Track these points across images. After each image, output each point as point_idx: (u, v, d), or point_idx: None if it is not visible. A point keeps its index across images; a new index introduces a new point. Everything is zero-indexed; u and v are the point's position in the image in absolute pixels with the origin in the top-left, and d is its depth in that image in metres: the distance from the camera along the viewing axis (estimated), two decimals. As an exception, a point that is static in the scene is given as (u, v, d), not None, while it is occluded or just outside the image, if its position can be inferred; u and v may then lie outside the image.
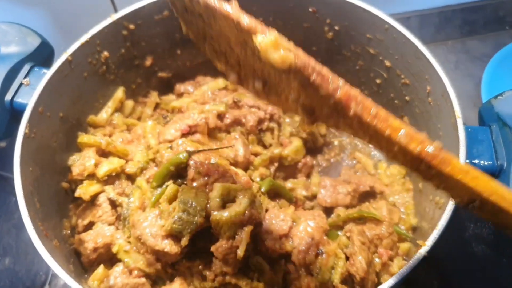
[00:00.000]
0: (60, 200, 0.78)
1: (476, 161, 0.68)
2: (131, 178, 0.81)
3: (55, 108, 0.79)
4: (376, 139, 0.46)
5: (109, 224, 0.74)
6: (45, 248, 0.59)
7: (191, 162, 0.73)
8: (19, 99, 0.78)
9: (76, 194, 0.75)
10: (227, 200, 0.67)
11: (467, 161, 0.67)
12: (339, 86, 0.45)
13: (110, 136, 0.89)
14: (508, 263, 0.93)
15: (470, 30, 1.39)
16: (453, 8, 1.36)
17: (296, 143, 0.94)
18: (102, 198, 0.76)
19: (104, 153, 0.82)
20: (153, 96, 1.02)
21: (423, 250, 0.58)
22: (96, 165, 0.77)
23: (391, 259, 0.77)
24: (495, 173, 0.68)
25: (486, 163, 0.68)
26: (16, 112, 0.78)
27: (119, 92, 0.94)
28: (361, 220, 0.81)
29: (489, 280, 0.93)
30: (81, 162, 0.77)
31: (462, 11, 1.37)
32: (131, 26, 0.89)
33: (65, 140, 0.83)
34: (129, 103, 0.98)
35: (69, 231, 0.77)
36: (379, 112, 0.45)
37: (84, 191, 0.74)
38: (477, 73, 1.30)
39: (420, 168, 0.45)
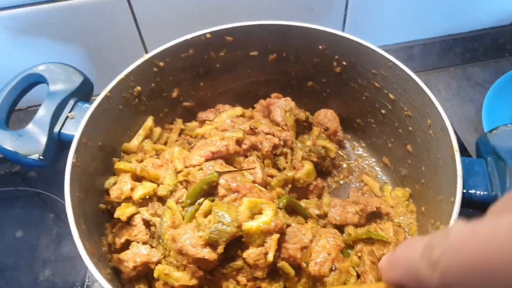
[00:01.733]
0: (99, 220, 0.88)
1: (473, 191, 0.76)
2: (162, 199, 0.90)
3: (95, 138, 0.89)
4: None
5: (144, 243, 0.84)
6: (92, 264, 0.68)
7: (222, 181, 0.83)
8: (65, 131, 0.88)
9: (115, 215, 0.84)
10: (254, 212, 0.78)
11: (464, 191, 0.75)
12: None
13: (141, 161, 0.99)
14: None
15: (471, 57, 1.47)
16: (454, 37, 1.45)
17: (308, 166, 1.03)
18: (137, 219, 0.85)
19: (137, 178, 0.92)
20: (178, 123, 1.12)
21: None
22: (131, 189, 0.86)
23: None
24: (490, 202, 0.75)
25: (482, 193, 0.76)
26: (62, 142, 0.88)
27: (149, 121, 1.05)
28: (369, 240, 0.89)
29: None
30: (118, 187, 0.87)
31: (463, 39, 1.45)
32: (161, 64, 0.99)
33: (102, 166, 0.93)
34: (157, 130, 1.08)
35: (106, 248, 0.86)
36: None
37: (121, 212, 0.83)
38: (478, 98, 1.38)
39: None
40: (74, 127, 0.86)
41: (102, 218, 0.90)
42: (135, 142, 1.02)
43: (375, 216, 0.98)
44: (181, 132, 1.13)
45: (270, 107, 1.10)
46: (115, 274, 0.84)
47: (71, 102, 0.91)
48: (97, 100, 0.89)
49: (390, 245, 0.86)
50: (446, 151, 0.81)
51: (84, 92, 0.95)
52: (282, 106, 1.09)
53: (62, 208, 0.69)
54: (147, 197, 0.88)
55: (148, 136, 1.05)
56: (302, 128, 1.14)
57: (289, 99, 1.10)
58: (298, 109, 1.12)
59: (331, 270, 0.80)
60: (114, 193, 0.86)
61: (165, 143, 1.10)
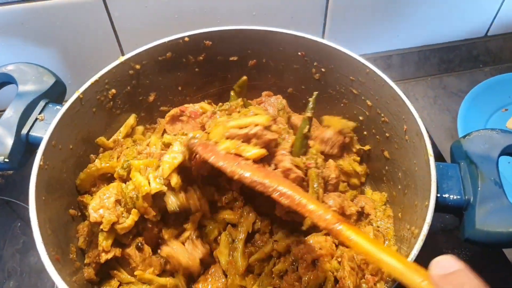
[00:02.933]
0: (68, 225, 0.84)
1: (446, 195, 0.76)
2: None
3: (66, 141, 0.86)
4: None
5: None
6: (56, 271, 0.64)
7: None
8: (34, 133, 0.85)
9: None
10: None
11: (438, 195, 0.76)
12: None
13: (118, 157, 0.96)
14: None
15: (447, 68, 1.51)
16: (431, 48, 1.48)
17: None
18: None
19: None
20: (162, 123, 1.10)
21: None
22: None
23: (375, 284, 0.85)
24: (463, 206, 0.76)
25: (455, 197, 0.76)
26: (30, 144, 0.85)
27: (131, 119, 1.03)
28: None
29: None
30: (100, 206, 0.83)
31: (439, 50, 1.49)
32: (137, 66, 0.97)
33: (73, 170, 0.90)
34: (139, 129, 1.06)
35: (74, 255, 0.83)
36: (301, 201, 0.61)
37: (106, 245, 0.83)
38: (454, 107, 1.41)
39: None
40: (44, 129, 0.83)
41: (71, 223, 0.86)
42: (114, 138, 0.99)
43: (358, 217, 0.98)
44: (165, 132, 1.10)
45: (261, 106, 1.09)
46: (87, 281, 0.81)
47: (42, 104, 0.88)
48: (69, 101, 0.86)
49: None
50: (421, 156, 0.81)
51: (56, 94, 0.92)
52: (274, 104, 1.08)
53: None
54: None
55: (129, 134, 1.03)
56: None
57: (280, 97, 1.09)
58: (291, 111, 1.11)
59: (312, 262, 0.81)
60: (93, 216, 0.83)
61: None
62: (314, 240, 0.86)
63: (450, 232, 1.09)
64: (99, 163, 0.91)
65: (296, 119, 1.08)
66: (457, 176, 0.78)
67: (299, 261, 0.83)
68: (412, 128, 0.86)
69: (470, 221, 0.72)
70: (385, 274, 0.86)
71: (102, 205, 0.83)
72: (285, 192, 0.63)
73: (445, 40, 1.47)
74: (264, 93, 1.12)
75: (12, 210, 1.11)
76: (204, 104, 1.07)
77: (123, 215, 0.84)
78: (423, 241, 0.68)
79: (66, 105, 0.86)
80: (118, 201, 0.85)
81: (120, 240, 0.86)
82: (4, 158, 0.80)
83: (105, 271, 0.87)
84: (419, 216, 0.77)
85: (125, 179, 0.89)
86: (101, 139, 0.97)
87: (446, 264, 0.48)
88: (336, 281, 0.80)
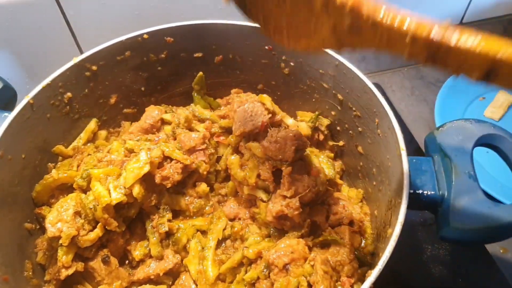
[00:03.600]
0: (22, 241, 0.79)
1: (420, 191, 0.73)
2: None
3: (17, 151, 0.80)
4: (392, 41, 0.48)
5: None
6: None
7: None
8: (-21, 144, 0.79)
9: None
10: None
11: (411, 191, 0.72)
12: None
13: (78, 165, 0.90)
14: (463, 282, 0.98)
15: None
16: (406, 38, 1.45)
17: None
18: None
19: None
20: (126, 126, 1.04)
21: (367, 282, 0.61)
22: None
23: (352, 286, 0.81)
24: (438, 202, 0.72)
25: (429, 193, 0.73)
26: (-25, 156, 0.78)
27: (92, 124, 0.97)
28: (324, 244, 0.85)
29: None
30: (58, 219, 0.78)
31: (415, 40, 1.45)
32: (93, 67, 0.92)
33: (27, 181, 0.84)
34: (102, 133, 1.00)
35: (30, 273, 0.77)
36: (388, 10, 0.48)
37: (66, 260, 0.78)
38: (431, 98, 1.38)
39: (437, 54, 0.45)
40: (-10, 138, 0.77)
41: (27, 239, 0.81)
42: (74, 145, 0.94)
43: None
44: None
45: (230, 105, 1.03)
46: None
47: (-12, 111, 0.82)
48: (17, 108, 0.80)
49: (345, 249, 0.81)
50: (393, 150, 0.78)
51: (4, 100, 0.86)
52: (247, 101, 1.02)
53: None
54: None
55: (90, 140, 0.97)
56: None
57: (250, 94, 1.04)
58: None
59: (284, 267, 0.77)
60: (51, 231, 0.77)
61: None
62: (285, 243, 0.81)
63: (430, 226, 1.06)
64: (56, 174, 0.86)
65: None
66: (431, 171, 0.74)
67: (271, 267, 0.79)
68: (383, 122, 0.82)
69: (445, 219, 0.68)
70: (361, 275, 0.83)
71: (60, 219, 0.78)
72: None
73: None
74: (233, 91, 1.07)
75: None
76: (165, 115, 1.00)
77: (84, 227, 0.79)
78: (396, 242, 0.64)
79: (14, 111, 0.80)
80: (77, 213, 0.80)
81: (82, 253, 0.81)
82: None
83: (69, 286, 0.82)
84: (393, 214, 0.73)
85: (85, 189, 0.84)
86: (59, 148, 0.91)
87: None
88: (310, 286, 0.76)
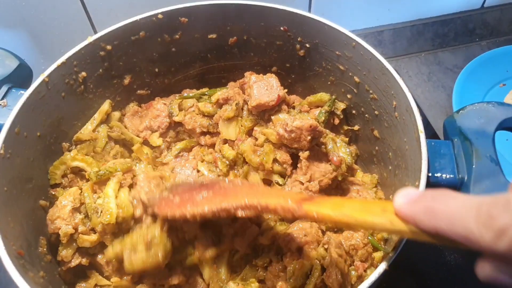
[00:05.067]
0: (37, 217, 0.79)
1: (439, 174, 0.71)
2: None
3: (32, 128, 0.81)
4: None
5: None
6: (15, 267, 0.59)
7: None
8: (-5, 120, 0.80)
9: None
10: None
11: (430, 174, 0.70)
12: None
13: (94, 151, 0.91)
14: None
15: (441, 43, 1.44)
16: (424, 22, 1.41)
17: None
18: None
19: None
20: (131, 108, 1.04)
21: (381, 266, 0.60)
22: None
23: (365, 270, 0.80)
24: (457, 186, 0.70)
25: (448, 177, 0.71)
26: (-7, 133, 0.79)
27: (105, 105, 0.97)
28: (339, 229, 0.84)
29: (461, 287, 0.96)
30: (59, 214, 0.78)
31: (433, 24, 1.42)
32: (108, 47, 0.91)
33: (42, 158, 0.84)
34: (116, 115, 1.00)
35: (45, 249, 0.78)
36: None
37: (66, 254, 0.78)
38: (449, 83, 1.35)
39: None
40: (5, 115, 0.77)
41: (42, 215, 0.81)
42: (88, 127, 0.94)
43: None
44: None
45: (244, 86, 1.01)
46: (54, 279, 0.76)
47: (4, 89, 0.83)
48: (33, 86, 0.80)
49: (359, 234, 0.81)
50: (411, 133, 0.76)
51: (20, 78, 0.86)
52: (264, 85, 1.00)
53: None
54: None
55: (104, 121, 0.97)
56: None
57: (272, 75, 1.01)
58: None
59: (297, 250, 0.76)
60: (50, 228, 0.78)
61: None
62: (298, 227, 0.81)
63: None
64: (75, 153, 0.86)
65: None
66: (450, 154, 0.72)
67: (284, 250, 0.78)
68: (401, 104, 0.80)
69: (464, 201, 0.66)
70: (375, 260, 0.82)
71: (58, 215, 0.77)
72: (245, 205, 0.61)
73: (439, 13, 1.40)
74: (246, 73, 1.06)
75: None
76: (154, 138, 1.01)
77: (84, 223, 0.78)
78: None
79: (30, 89, 0.80)
80: (76, 209, 0.79)
81: (86, 250, 0.80)
82: (-38, 148, 0.74)
83: (81, 272, 0.83)
84: (409, 197, 0.72)
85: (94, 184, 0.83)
86: (78, 137, 0.91)
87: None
88: (323, 269, 0.76)
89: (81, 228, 0.77)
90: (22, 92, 0.82)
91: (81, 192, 0.81)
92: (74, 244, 0.78)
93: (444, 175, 0.70)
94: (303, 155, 0.86)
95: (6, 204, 0.69)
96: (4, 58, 0.83)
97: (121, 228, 0.78)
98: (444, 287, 0.97)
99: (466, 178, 0.68)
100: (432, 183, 0.69)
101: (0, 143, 0.72)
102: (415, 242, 0.60)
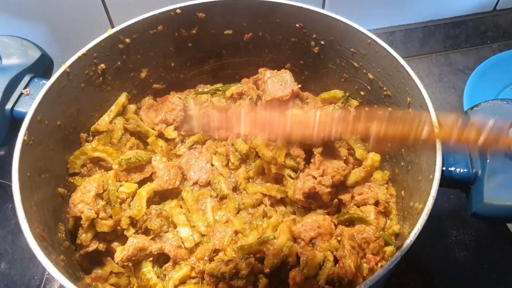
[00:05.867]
0: (56, 204, 0.81)
1: (453, 168, 0.72)
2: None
3: (53, 117, 0.83)
4: None
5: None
6: (40, 248, 0.61)
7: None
8: (19, 108, 0.82)
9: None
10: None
11: (444, 168, 0.71)
12: None
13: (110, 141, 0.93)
14: (489, 268, 0.97)
15: (452, 44, 1.45)
16: (436, 23, 1.42)
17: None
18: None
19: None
20: (146, 102, 1.06)
21: (398, 253, 0.61)
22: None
23: (377, 264, 0.81)
24: (471, 180, 0.71)
25: (462, 171, 0.72)
26: (15, 120, 0.81)
27: (122, 97, 0.99)
28: (350, 223, 0.85)
29: (471, 285, 0.96)
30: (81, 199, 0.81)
31: (445, 26, 1.43)
32: (127, 40, 0.93)
33: (61, 146, 0.86)
34: (132, 107, 1.02)
35: (64, 235, 0.80)
36: None
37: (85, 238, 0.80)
38: (459, 85, 1.36)
39: None
40: (29, 104, 0.79)
41: (60, 203, 0.83)
42: (105, 119, 0.96)
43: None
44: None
45: (258, 82, 1.03)
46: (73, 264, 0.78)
47: (27, 78, 0.85)
48: (55, 75, 0.82)
49: (371, 227, 0.81)
50: (426, 128, 0.77)
51: (42, 68, 0.88)
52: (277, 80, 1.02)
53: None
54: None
55: (120, 113, 0.99)
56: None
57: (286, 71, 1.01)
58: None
59: (310, 241, 0.77)
60: (72, 211, 0.81)
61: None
62: (312, 219, 0.82)
63: (455, 213, 1.05)
64: (96, 143, 0.89)
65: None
66: (463, 150, 0.73)
67: (297, 240, 0.79)
68: (416, 100, 0.81)
69: (478, 195, 0.67)
70: (387, 254, 0.82)
71: (81, 199, 0.80)
72: None
73: (451, 15, 1.41)
74: (260, 70, 1.07)
75: (4, 191, 1.08)
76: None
77: (107, 211, 0.81)
78: (427, 216, 0.63)
79: (52, 79, 0.82)
80: (99, 195, 0.82)
81: (103, 236, 0.83)
82: (-13, 134, 0.77)
83: (97, 257, 0.84)
84: (423, 192, 0.73)
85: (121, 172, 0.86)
86: (95, 127, 0.93)
87: None
88: (336, 261, 0.77)
89: (101, 214, 0.79)
90: (44, 81, 0.84)
91: (104, 179, 0.83)
92: (93, 229, 0.80)
93: (458, 169, 0.71)
94: (317, 150, 0.87)
95: (29, 189, 0.71)
96: (27, 48, 0.85)
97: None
98: (452, 284, 0.97)
99: (480, 172, 0.69)
100: (446, 177, 0.70)
101: (24, 130, 0.74)
102: (424, 239, 0.61)
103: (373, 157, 0.92)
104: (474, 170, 0.70)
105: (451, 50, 1.45)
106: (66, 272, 0.63)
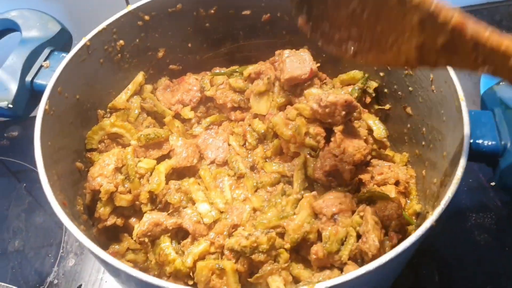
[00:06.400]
0: (75, 178, 0.80)
1: (480, 141, 0.71)
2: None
3: (72, 90, 0.82)
4: (492, 59, 0.48)
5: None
6: (64, 213, 0.60)
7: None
8: (39, 80, 0.81)
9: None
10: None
11: (471, 141, 0.70)
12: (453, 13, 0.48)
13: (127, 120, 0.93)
14: (510, 252, 0.95)
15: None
16: (451, 12, 1.41)
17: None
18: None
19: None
20: (162, 83, 1.05)
21: (430, 219, 0.60)
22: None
23: (399, 242, 0.79)
24: (499, 152, 0.70)
25: (490, 143, 0.71)
26: (35, 92, 0.81)
27: (139, 76, 0.98)
28: (371, 201, 0.83)
29: (490, 268, 0.95)
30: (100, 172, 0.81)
31: (460, 15, 1.42)
32: (146, 17, 0.93)
33: (79, 121, 0.86)
34: (148, 87, 1.02)
35: (82, 208, 0.79)
36: (492, 32, 0.48)
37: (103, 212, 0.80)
38: (474, 75, 1.34)
39: None
40: (49, 76, 0.79)
41: (78, 177, 0.82)
42: (123, 97, 0.95)
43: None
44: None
45: (275, 64, 1.01)
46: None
47: (46, 51, 0.84)
48: (76, 47, 0.82)
49: (393, 204, 0.80)
50: (450, 103, 0.76)
51: (61, 42, 0.88)
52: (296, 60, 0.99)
53: (36, 178, 0.61)
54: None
55: (137, 92, 0.99)
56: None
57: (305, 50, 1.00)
58: None
59: (332, 217, 0.76)
60: (91, 184, 0.80)
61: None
62: (333, 195, 0.80)
63: (475, 193, 1.03)
64: (115, 119, 0.88)
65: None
66: (491, 123, 0.73)
67: (319, 215, 0.78)
68: (439, 76, 0.80)
69: (508, 167, 0.66)
70: (409, 232, 0.81)
71: (101, 173, 0.79)
72: None
73: (466, 3, 1.40)
74: (277, 52, 1.07)
75: (17, 171, 1.07)
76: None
77: (125, 185, 0.80)
78: (458, 184, 0.62)
79: (73, 51, 0.81)
80: (118, 169, 0.81)
81: (121, 211, 0.82)
82: (8, 104, 0.76)
83: (113, 233, 0.83)
84: (449, 165, 0.72)
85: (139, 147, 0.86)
86: (113, 104, 0.93)
87: None
88: (359, 237, 0.75)
89: (120, 188, 0.78)
90: (64, 54, 0.84)
91: (122, 155, 0.82)
92: (111, 204, 0.79)
93: (486, 142, 0.70)
94: (338, 128, 0.86)
95: (51, 157, 0.70)
96: (47, 22, 0.85)
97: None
98: (473, 270, 0.96)
99: (509, 144, 0.68)
100: (473, 150, 0.69)
101: (45, 99, 0.73)
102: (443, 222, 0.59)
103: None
104: (503, 142, 0.69)
105: (466, 39, 1.44)
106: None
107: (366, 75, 1.00)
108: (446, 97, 0.78)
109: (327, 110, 0.85)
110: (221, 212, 0.85)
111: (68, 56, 0.80)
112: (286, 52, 0.98)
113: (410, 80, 0.91)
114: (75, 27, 1.19)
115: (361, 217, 0.77)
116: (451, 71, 0.77)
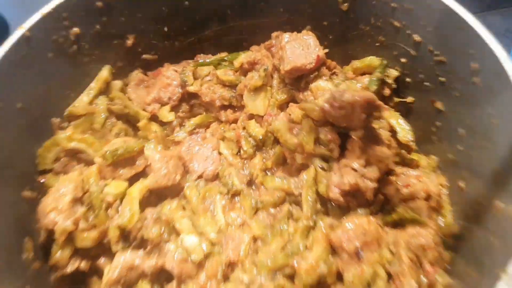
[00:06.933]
0: (20, 213, 0.62)
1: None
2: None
3: (10, 97, 0.64)
4: None
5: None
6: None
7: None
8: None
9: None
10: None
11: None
12: None
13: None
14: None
15: (489, 5, 1.26)
16: (472, -20, 1.22)
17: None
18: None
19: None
20: (135, 76, 0.87)
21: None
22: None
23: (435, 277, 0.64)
24: None
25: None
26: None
27: (104, 71, 0.80)
28: (398, 224, 0.68)
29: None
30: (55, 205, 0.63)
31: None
32: (107, -4, 0.72)
33: (27, 138, 0.67)
34: (117, 84, 0.84)
35: (31, 254, 0.61)
36: None
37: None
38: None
39: None
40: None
41: (26, 210, 0.64)
42: (84, 99, 0.76)
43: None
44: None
45: (272, 49, 0.84)
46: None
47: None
48: (9, 42, 0.62)
49: (426, 230, 0.64)
50: (503, 102, 0.59)
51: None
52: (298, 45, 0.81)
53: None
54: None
55: (103, 91, 0.80)
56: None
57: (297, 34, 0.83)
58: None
59: (356, 252, 0.61)
60: (43, 222, 0.62)
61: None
62: (354, 223, 0.64)
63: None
64: (72, 132, 0.69)
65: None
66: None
67: (338, 251, 0.62)
68: (486, 66, 0.63)
69: None
70: (446, 261, 0.66)
71: (54, 206, 0.61)
72: None
73: None
74: (274, 34, 0.88)
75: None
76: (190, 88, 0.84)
77: (89, 219, 0.63)
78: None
79: (5, 46, 0.62)
80: (77, 200, 0.64)
81: (86, 252, 0.65)
82: None
83: (79, 279, 0.66)
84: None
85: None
86: (70, 111, 0.73)
87: None
88: (389, 276, 0.60)
89: (82, 225, 0.60)
90: (-5, 50, 0.63)
91: (83, 178, 0.64)
92: (71, 245, 0.61)
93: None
94: (356, 133, 0.68)
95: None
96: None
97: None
98: None
99: None
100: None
101: (-33, 116, 0.54)
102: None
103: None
104: None
105: (488, 10, 1.26)
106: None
107: (385, 61, 0.82)
108: (498, 92, 0.61)
109: (342, 112, 0.66)
110: (213, 244, 0.68)
111: (-1, 53, 0.60)
112: (286, 35, 0.79)
113: (443, 68, 0.73)
114: (23, 7, 0.98)
115: (392, 252, 0.61)
116: (504, 58, 0.59)
